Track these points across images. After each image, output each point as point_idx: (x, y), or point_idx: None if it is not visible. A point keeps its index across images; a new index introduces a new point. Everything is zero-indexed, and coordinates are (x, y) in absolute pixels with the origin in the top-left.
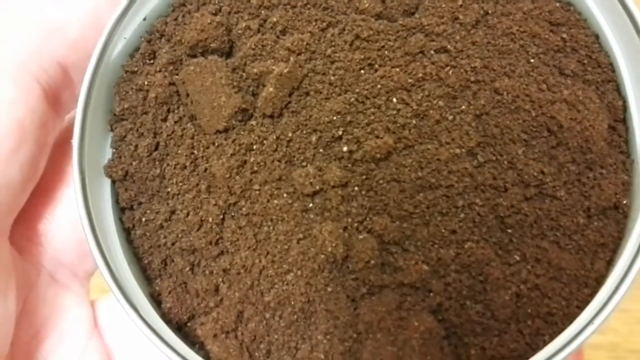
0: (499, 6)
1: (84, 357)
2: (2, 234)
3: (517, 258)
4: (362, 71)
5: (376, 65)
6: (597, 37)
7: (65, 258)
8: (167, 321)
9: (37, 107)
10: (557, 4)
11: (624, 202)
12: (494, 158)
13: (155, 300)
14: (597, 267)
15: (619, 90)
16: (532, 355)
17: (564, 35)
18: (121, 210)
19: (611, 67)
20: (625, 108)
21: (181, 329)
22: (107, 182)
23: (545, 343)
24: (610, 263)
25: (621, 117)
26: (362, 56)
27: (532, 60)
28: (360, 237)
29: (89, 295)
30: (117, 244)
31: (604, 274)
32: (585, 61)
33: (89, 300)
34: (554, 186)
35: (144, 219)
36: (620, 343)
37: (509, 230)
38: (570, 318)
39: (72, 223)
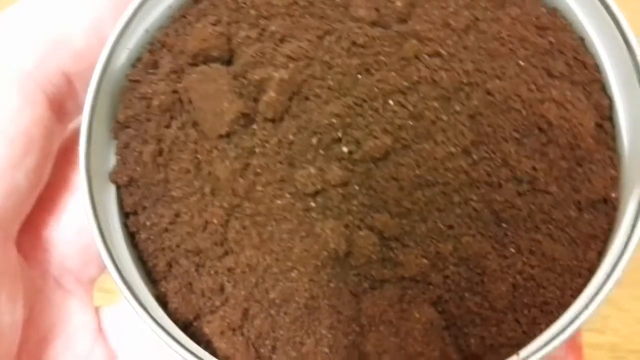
0: (488, 12)
1: None
2: (9, 239)
3: (513, 250)
4: (360, 76)
5: (373, 70)
6: (582, 40)
7: (70, 264)
8: (174, 321)
9: (43, 116)
10: (543, 10)
11: (613, 195)
12: (488, 156)
13: (161, 301)
14: (589, 257)
15: (604, 89)
16: (529, 342)
17: (551, 39)
18: (125, 215)
19: (597, 68)
20: (611, 106)
21: (187, 329)
22: (111, 189)
23: (541, 331)
24: (601, 254)
25: (608, 115)
26: (359, 61)
27: (521, 63)
28: (362, 233)
29: (92, 301)
30: (123, 247)
31: (595, 264)
32: (572, 63)
33: (93, 306)
34: (545, 181)
35: (148, 223)
36: (621, 343)
37: (504, 225)
38: (565, 307)
39: (77, 229)
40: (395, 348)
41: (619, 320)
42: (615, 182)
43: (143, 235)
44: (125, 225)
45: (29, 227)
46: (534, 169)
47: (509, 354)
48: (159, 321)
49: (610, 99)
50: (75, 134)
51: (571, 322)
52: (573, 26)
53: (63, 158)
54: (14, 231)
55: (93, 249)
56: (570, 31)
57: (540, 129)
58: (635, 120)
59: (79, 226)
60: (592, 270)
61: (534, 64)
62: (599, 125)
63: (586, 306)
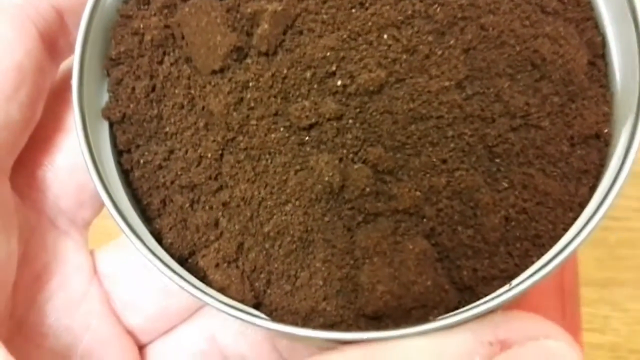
0: None
1: (85, 302)
2: (3, 174)
3: (505, 185)
4: (354, 10)
5: (367, 4)
6: None
7: (64, 205)
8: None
9: (35, 50)
10: None
11: (605, 130)
12: (482, 91)
13: (156, 238)
14: (580, 192)
15: (597, 27)
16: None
17: None
18: (119, 153)
19: (590, 6)
20: (604, 44)
21: (182, 265)
22: (105, 127)
23: (533, 264)
24: (592, 189)
25: (600, 53)
26: None
27: None
28: (356, 167)
29: (87, 243)
30: (118, 184)
31: (587, 199)
32: (565, 0)
33: (88, 249)
34: (538, 117)
35: (142, 161)
36: (621, 343)
37: (497, 159)
38: (556, 240)
39: (71, 169)
40: (389, 278)
41: (619, 320)
42: (607, 118)
43: (137, 173)
44: (119, 164)
45: (22, 167)
46: (527, 104)
47: (501, 286)
48: (157, 253)
49: (603, 36)
50: (68, 74)
51: (561, 251)
52: None
53: (56, 99)
54: (8, 166)
55: (87, 190)
56: None
57: (533, 65)
58: (627, 57)
59: (73, 166)
60: (583, 205)
61: (527, 0)
62: (592, 63)
63: (577, 235)
